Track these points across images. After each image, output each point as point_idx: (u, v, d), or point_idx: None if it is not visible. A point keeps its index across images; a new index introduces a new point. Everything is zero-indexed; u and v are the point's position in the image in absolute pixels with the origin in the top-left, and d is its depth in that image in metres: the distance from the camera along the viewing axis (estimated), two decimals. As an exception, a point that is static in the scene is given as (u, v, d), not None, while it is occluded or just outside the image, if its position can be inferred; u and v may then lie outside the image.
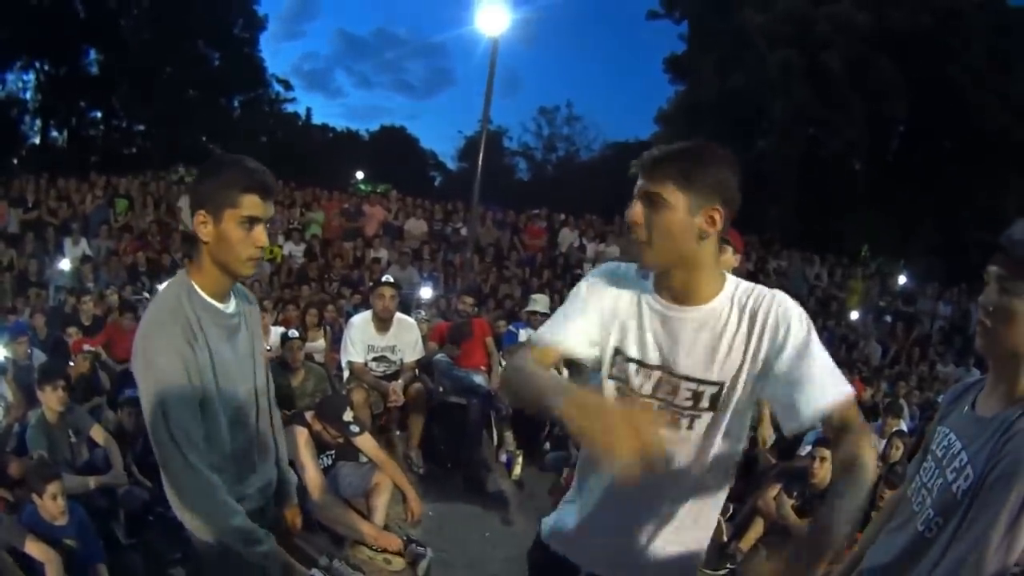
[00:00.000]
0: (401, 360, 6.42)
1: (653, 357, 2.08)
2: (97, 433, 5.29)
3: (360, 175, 39.77)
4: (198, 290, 2.30)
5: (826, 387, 1.88)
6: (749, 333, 1.98)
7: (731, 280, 2.07)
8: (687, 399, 2.04)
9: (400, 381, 6.28)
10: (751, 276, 15.76)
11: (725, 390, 2.01)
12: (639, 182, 1.97)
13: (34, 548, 3.99)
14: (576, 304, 2.19)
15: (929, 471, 2.05)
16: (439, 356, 7.31)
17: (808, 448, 6.13)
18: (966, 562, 1.78)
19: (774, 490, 5.49)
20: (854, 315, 16.15)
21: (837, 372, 1.93)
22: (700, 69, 29.30)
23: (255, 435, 2.49)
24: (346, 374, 6.39)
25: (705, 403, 2.03)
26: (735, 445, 2.13)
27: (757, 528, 5.52)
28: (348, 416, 4.89)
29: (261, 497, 2.54)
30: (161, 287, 2.66)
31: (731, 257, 4.72)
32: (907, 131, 27.12)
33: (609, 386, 2.17)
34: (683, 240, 1.93)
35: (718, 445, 2.07)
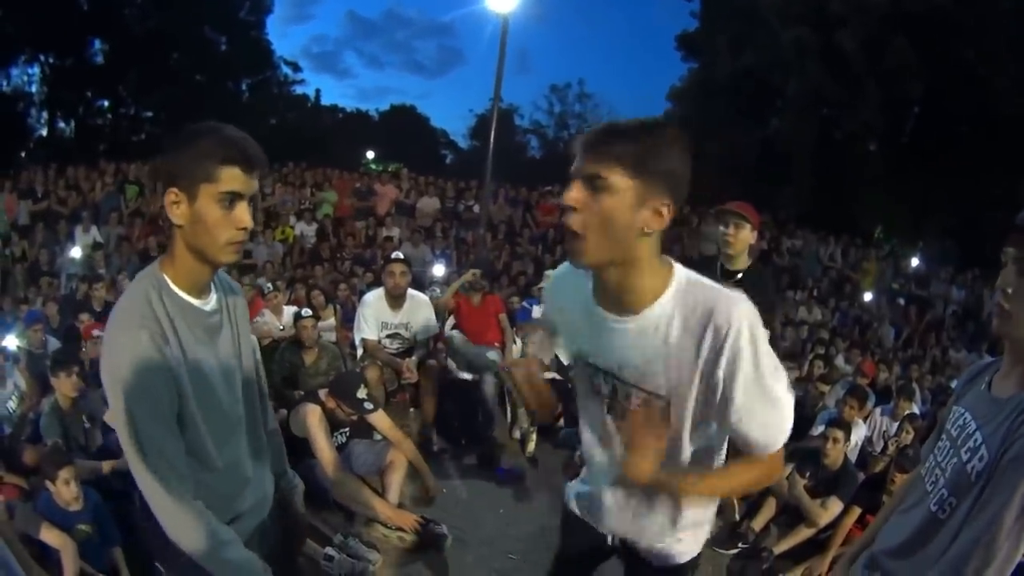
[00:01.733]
0: (415, 337, 6.40)
1: (603, 363, 2.00)
2: (111, 417, 5.25)
3: (371, 155, 39.77)
4: (171, 285, 1.98)
5: (767, 431, 1.87)
6: (698, 347, 1.79)
7: (678, 275, 1.84)
8: (639, 405, 1.95)
9: (414, 358, 6.27)
10: (765, 255, 15.78)
11: (673, 403, 1.89)
12: (580, 162, 1.74)
13: (49, 535, 3.99)
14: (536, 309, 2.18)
15: (943, 451, 2.01)
16: (452, 332, 7.29)
17: (821, 428, 6.12)
18: (979, 543, 1.75)
19: (787, 470, 5.43)
20: (868, 296, 16.03)
21: (781, 410, 1.85)
22: (713, 47, 28.95)
23: (247, 442, 2.23)
24: (359, 352, 6.37)
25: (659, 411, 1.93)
26: (711, 457, 2.07)
27: (769, 508, 5.49)
28: (362, 393, 4.87)
29: (258, 514, 2.28)
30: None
31: (749, 234, 4.67)
32: (922, 112, 26.53)
33: (581, 385, 2.15)
34: (622, 234, 1.72)
35: (687, 452, 2.00)
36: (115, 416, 1.89)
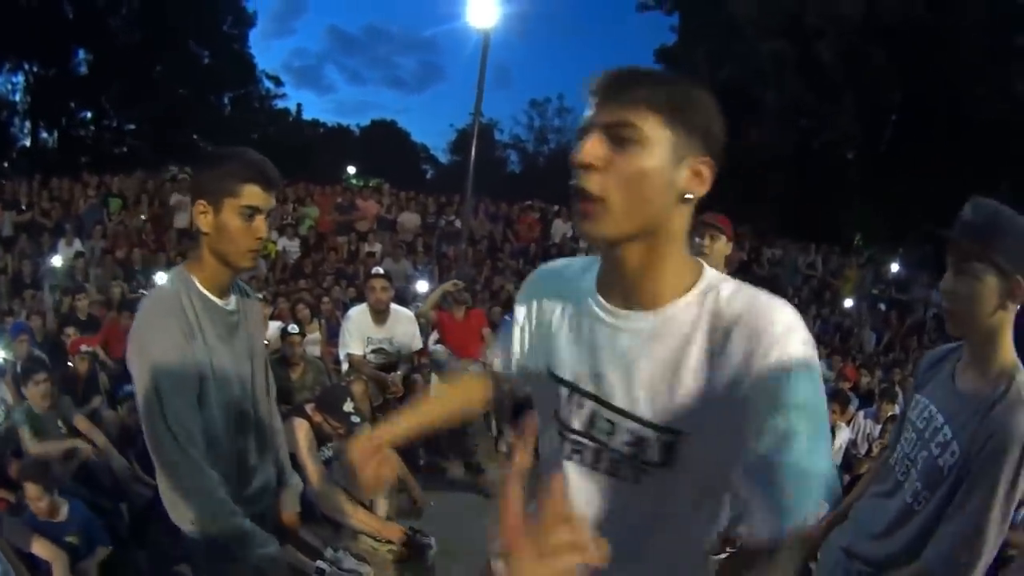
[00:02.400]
0: (399, 352, 6.43)
1: (584, 381, 1.48)
2: (80, 423, 5.35)
3: (352, 170, 39.89)
4: (197, 284, 2.23)
5: (797, 501, 1.25)
6: (724, 366, 1.30)
7: (708, 273, 1.42)
8: (626, 443, 1.42)
9: (399, 372, 6.31)
10: (745, 265, 15.83)
11: (682, 442, 1.36)
12: (598, 110, 1.33)
13: (40, 547, 4.00)
14: (512, 318, 1.74)
15: (911, 442, 2.16)
16: (436, 347, 7.32)
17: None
18: (966, 537, 1.90)
19: None
20: (848, 303, 16.20)
21: (815, 470, 1.26)
22: (691, 61, 29.14)
23: (253, 436, 2.41)
24: (344, 367, 6.39)
25: (653, 454, 1.39)
26: (711, 524, 1.50)
27: None
28: (349, 407, 4.91)
29: (260, 501, 2.45)
30: (159, 281, 2.58)
31: (724, 245, 4.68)
32: (900, 121, 26.87)
33: (544, 414, 1.61)
34: (658, 199, 1.31)
35: (684, 516, 1.46)
36: (140, 393, 2.09)
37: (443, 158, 53.05)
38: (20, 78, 34.18)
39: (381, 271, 6.58)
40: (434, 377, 6.81)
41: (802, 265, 17.69)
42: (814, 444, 1.24)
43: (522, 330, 1.70)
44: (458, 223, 16.09)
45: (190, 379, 2.13)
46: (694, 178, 1.33)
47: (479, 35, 13.66)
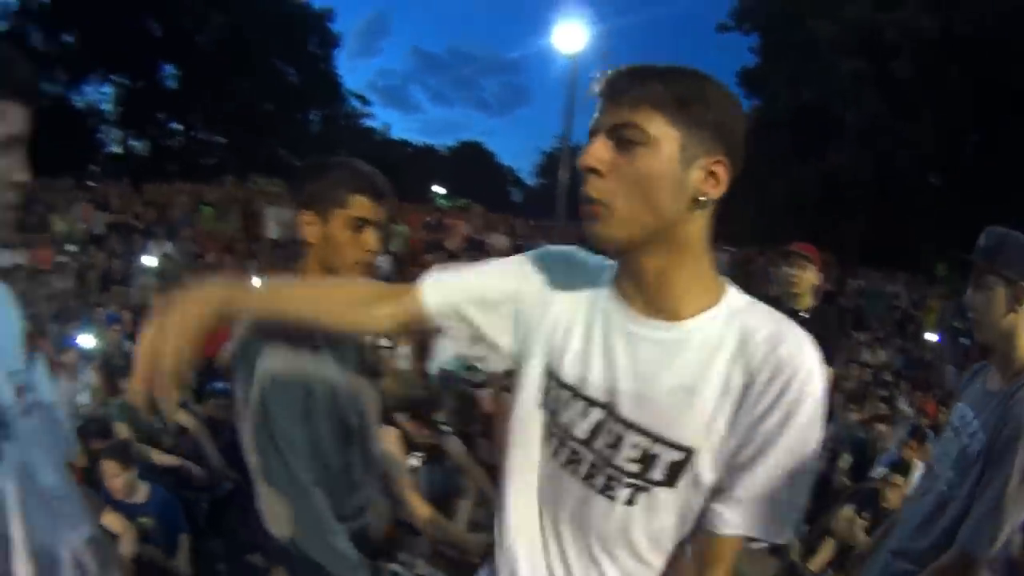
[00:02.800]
0: (491, 368, 6.41)
1: (595, 387, 1.37)
2: (183, 418, 5.43)
3: (439, 189, 40.30)
4: None
5: (763, 509, 1.27)
6: (746, 384, 1.26)
7: (732, 290, 1.37)
8: (632, 460, 1.33)
9: (489, 389, 6.30)
10: (830, 297, 15.51)
11: (695, 460, 1.29)
12: (603, 112, 1.27)
13: (110, 519, 4.08)
14: (496, 266, 1.63)
15: (948, 440, 2.46)
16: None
17: (881, 470, 6.09)
18: (990, 513, 2.13)
19: (847, 512, 5.41)
20: (930, 336, 15.72)
21: (797, 491, 1.27)
22: (773, 82, 28.95)
23: (359, 452, 2.32)
24: (436, 380, 6.47)
25: (658, 473, 1.31)
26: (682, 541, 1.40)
27: (828, 549, 5.43)
28: (440, 417, 4.94)
29: (361, 517, 2.36)
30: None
31: (813, 275, 4.67)
32: (979, 141, 25.82)
33: (535, 418, 1.48)
34: (669, 201, 1.24)
35: (665, 541, 1.38)
36: (248, 404, 1.99)
37: (529, 180, 53.45)
38: (109, 88, 35.38)
39: (476, 290, 6.61)
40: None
41: (887, 296, 17.29)
42: (801, 480, 1.26)
43: (519, 311, 1.53)
44: (544, 244, 16.05)
45: (298, 396, 2.04)
46: (708, 179, 1.25)
47: (562, 58, 13.70)
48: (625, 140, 1.23)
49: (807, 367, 1.23)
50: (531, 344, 1.49)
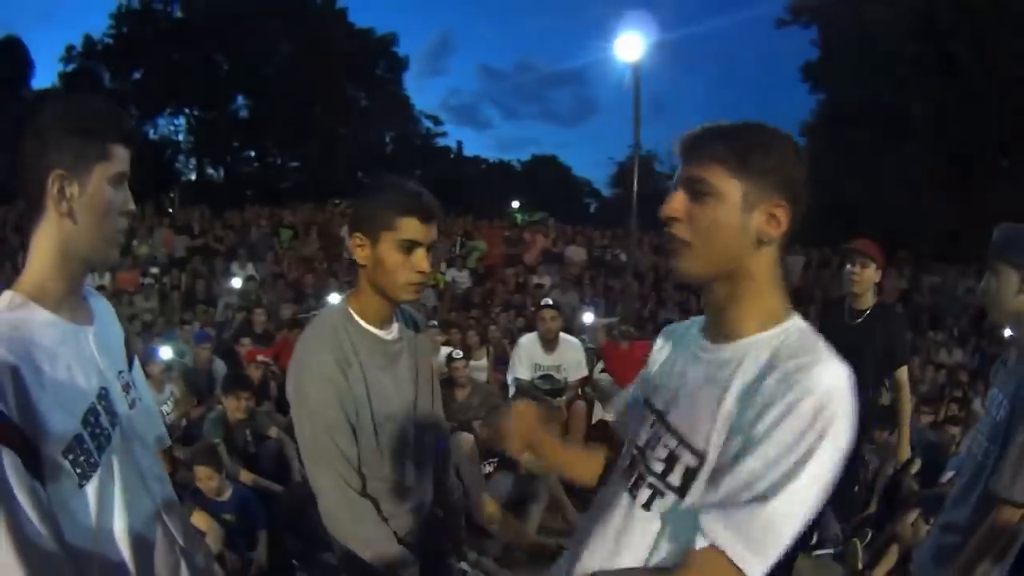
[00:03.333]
0: (566, 379, 6.66)
1: (659, 400, 1.61)
2: (273, 432, 5.70)
3: (516, 204, 40.41)
4: (355, 317, 2.25)
5: (742, 523, 1.28)
6: (768, 406, 1.32)
7: (794, 320, 1.48)
8: (660, 460, 1.52)
9: (563, 398, 6.49)
10: (906, 294, 15.01)
11: (704, 470, 1.43)
12: (681, 167, 1.53)
13: (198, 519, 4.30)
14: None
15: (984, 421, 2.72)
16: (601, 375, 7.48)
17: (950, 475, 5.98)
18: (1018, 460, 2.37)
19: (912, 516, 5.32)
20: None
21: (785, 509, 1.27)
22: (836, 74, 28.04)
23: (411, 459, 2.40)
24: (512, 390, 6.66)
25: (676, 477, 1.48)
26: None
27: (892, 556, 5.33)
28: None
29: (413, 518, 2.42)
30: (331, 301, 2.60)
31: (873, 272, 4.67)
32: None
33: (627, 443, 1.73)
34: (733, 243, 1.45)
35: (660, 553, 1.50)
36: (298, 425, 2.19)
37: (605, 191, 53.15)
38: (182, 120, 36.49)
39: (551, 302, 7.02)
40: (597, 405, 6.97)
41: (961, 292, 16.85)
42: (789, 499, 1.27)
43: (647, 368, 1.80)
44: (623, 256, 16.25)
45: (343, 412, 2.15)
46: (769, 221, 1.44)
47: (627, 67, 13.74)
48: (696, 192, 1.45)
49: (821, 390, 1.29)
50: (642, 382, 1.79)
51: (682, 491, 1.45)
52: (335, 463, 2.14)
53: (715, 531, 1.29)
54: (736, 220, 1.43)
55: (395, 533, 2.25)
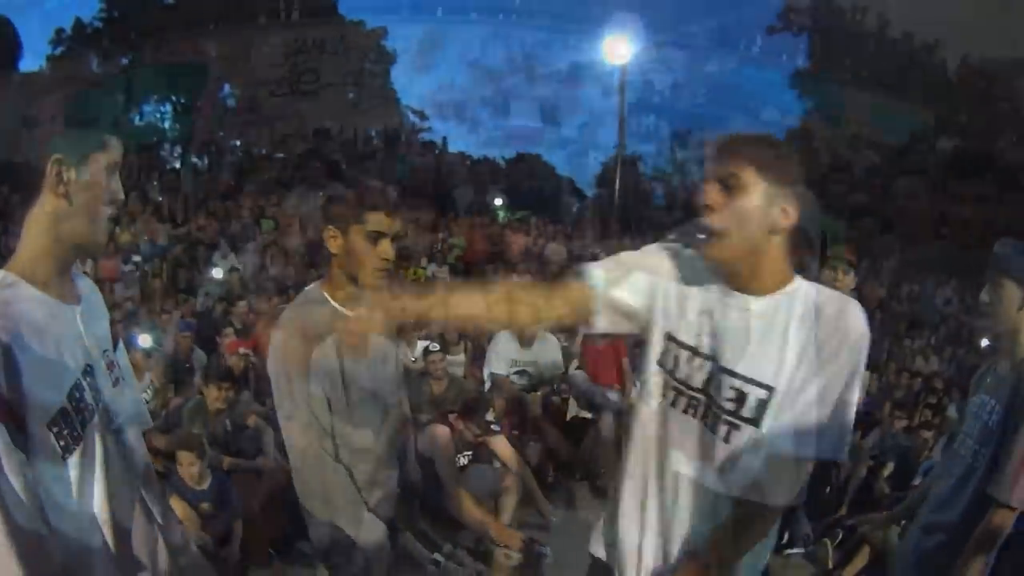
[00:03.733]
0: (541, 375, 6.77)
1: (705, 345, 1.90)
2: (251, 420, 5.75)
3: (499, 202, 40.38)
4: (328, 298, 2.46)
5: (823, 438, 1.79)
6: (822, 342, 1.79)
7: (800, 280, 1.89)
8: (729, 400, 1.85)
9: (538, 394, 6.56)
10: (884, 302, 15.00)
11: (777, 398, 1.80)
12: (713, 164, 1.83)
13: (175, 505, 4.34)
14: (634, 258, 2.09)
15: (970, 425, 2.76)
16: (576, 372, 7.51)
17: (922, 479, 6.10)
18: (1016, 463, 2.44)
19: (883, 518, 5.42)
20: (985, 343, 15.30)
21: (847, 417, 1.81)
22: (827, 81, 27.95)
23: (383, 442, 2.58)
24: (487, 385, 6.73)
25: (748, 410, 1.82)
26: (772, 498, 1.87)
27: (863, 557, 5.40)
28: (490, 416, 5.14)
29: (383, 491, 2.58)
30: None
31: (851, 279, 4.75)
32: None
33: (655, 374, 2.00)
34: (758, 231, 1.79)
35: (752, 485, 1.86)
36: (276, 396, 2.38)
37: (588, 191, 52.97)
38: (168, 108, 36.29)
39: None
40: (572, 401, 7.05)
41: (939, 302, 17.07)
42: (846, 407, 1.79)
43: (654, 287, 2.01)
44: (603, 256, 16.08)
45: (321, 388, 2.36)
46: (783, 214, 1.80)
47: (614, 68, 13.79)
48: (729, 185, 1.79)
49: (860, 331, 1.78)
50: (656, 314, 1.99)
51: (757, 420, 1.81)
52: (311, 428, 2.34)
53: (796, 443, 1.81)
54: (760, 212, 1.78)
55: (365, 503, 2.42)
